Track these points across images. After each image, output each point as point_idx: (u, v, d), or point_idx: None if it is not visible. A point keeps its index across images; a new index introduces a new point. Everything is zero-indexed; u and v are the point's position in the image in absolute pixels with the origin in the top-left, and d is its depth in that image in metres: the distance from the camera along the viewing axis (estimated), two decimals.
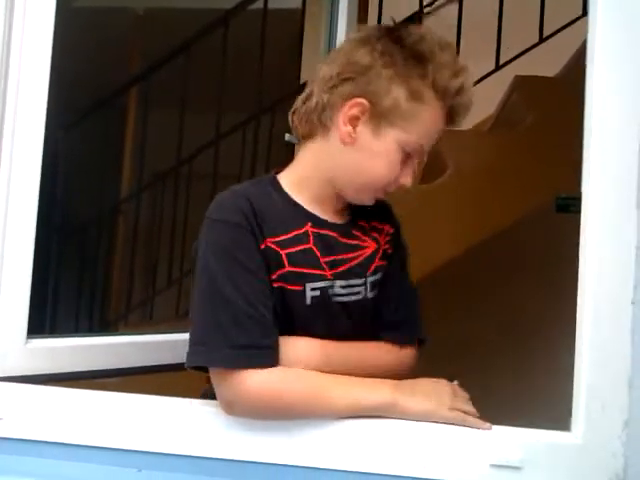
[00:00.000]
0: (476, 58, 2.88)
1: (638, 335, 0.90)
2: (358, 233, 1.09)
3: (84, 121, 3.23)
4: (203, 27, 3.04)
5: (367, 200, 1.08)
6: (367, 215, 1.12)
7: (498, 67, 2.88)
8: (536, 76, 2.67)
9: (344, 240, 1.07)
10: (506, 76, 2.78)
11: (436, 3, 3.45)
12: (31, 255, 1.09)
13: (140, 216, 3.42)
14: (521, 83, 2.66)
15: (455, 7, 2.97)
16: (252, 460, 0.95)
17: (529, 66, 2.80)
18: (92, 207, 3.36)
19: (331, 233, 1.05)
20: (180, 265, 3.26)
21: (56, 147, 2.84)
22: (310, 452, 0.95)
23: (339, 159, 1.04)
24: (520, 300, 2.88)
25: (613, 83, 0.93)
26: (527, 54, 2.85)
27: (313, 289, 1.01)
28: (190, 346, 0.97)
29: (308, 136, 1.07)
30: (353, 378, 0.99)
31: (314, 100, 1.04)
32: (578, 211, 0.96)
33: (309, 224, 1.04)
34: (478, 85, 2.84)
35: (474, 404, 0.98)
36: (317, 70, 1.07)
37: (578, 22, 2.74)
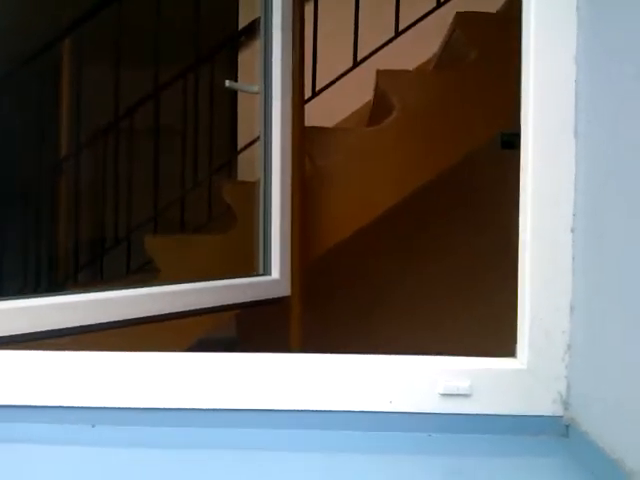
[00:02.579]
0: None
1: (578, 262, 0.92)
2: None
3: (15, 77, 3.09)
4: None
5: None
6: None
7: (439, 4, 2.85)
8: (478, 12, 2.64)
9: None
10: (448, 14, 2.75)
11: None
12: None
13: (82, 174, 3.31)
14: (463, 20, 2.64)
15: None
16: (203, 408, 0.96)
17: (470, 2, 2.77)
18: (34, 168, 3.25)
19: None
20: (127, 222, 3.19)
21: None
22: (264, 394, 0.96)
23: None
24: (468, 236, 2.94)
25: (548, 16, 0.93)
26: None
27: None
28: None
29: None
30: None
31: None
32: None
33: None
34: (420, 24, 2.81)
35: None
36: None
37: None
